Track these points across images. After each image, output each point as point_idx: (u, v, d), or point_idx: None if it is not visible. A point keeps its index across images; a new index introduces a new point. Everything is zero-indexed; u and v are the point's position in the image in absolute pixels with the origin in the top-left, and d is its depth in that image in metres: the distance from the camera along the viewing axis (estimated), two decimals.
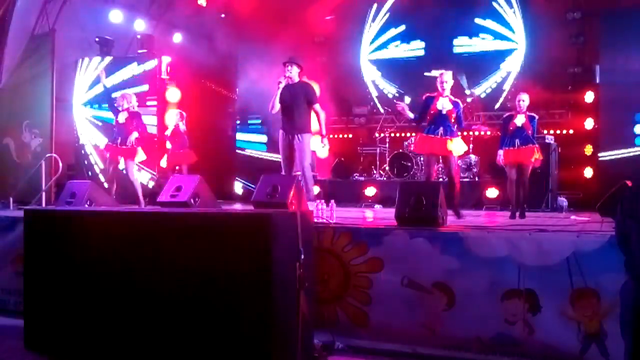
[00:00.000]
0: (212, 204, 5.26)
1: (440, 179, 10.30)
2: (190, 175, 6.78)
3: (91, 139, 10.78)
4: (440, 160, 6.80)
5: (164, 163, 9.72)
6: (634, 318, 2.71)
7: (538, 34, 11.01)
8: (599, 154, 9.18)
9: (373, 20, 12.64)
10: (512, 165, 7.02)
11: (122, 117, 7.84)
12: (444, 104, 6.15)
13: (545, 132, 9.85)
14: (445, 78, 6.20)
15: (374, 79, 12.78)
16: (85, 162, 10.73)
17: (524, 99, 7.11)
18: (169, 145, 9.47)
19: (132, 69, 10.55)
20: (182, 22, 11.74)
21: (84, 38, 10.66)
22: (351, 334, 4.32)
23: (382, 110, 12.38)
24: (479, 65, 11.48)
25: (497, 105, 11.35)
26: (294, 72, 6.25)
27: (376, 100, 12.66)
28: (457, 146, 6.25)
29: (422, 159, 10.99)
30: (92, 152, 10.69)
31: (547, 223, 5.71)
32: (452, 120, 6.25)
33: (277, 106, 6.31)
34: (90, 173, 10.53)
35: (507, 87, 11.51)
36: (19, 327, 4.44)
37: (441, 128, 6.12)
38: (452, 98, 6.27)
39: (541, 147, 8.48)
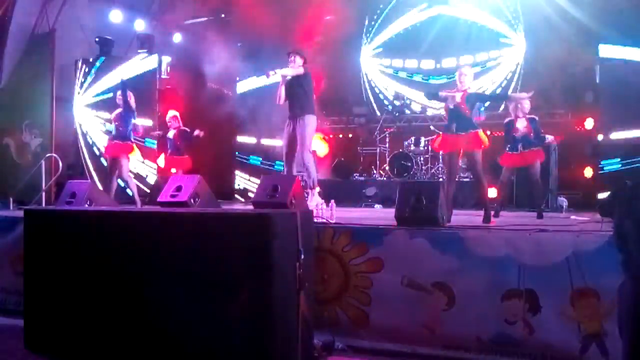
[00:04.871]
0: (212, 204, 5.26)
1: (441, 179, 10.36)
2: (190, 175, 6.78)
3: (91, 138, 10.77)
4: (465, 159, 6.54)
5: (161, 163, 9.71)
6: (631, 318, 2.71)
7: (538, 34, 11.02)
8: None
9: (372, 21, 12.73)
10: (509, 169, 7.16)
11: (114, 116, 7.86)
12: (454, 100, 5.89)
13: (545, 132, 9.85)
14: (464, 71, 6.00)
15: (371, 80, 12.83)
16: (85, 162, 10.73)
17: (526, 103, 7.18)
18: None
19: (132, 69, 10.54)
20: (182, 22, 11.74)
21: (84, 38, 10.66)
22: (351, 334, 4.32)
23: (378, 113, 12.48)
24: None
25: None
26: (297, 63, 6.39)
27: (374, 105, 12.72)
28: (474, 141, 5.88)
29: (422, 159, 11.05)
30: (93, 151, 10.69)
31: (547, 223, 5.71)
32: (468, 114, 5.93)
33: (283, 97, 6.44)
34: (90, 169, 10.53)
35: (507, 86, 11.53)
36: (19, 327, 4.44)
37: (454, 124, 5.89)
38: (469, 90, 6.00)
39: (541, 147, 8.52)
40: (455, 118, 5.92)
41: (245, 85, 12.29)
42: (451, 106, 5.89)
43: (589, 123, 10.19)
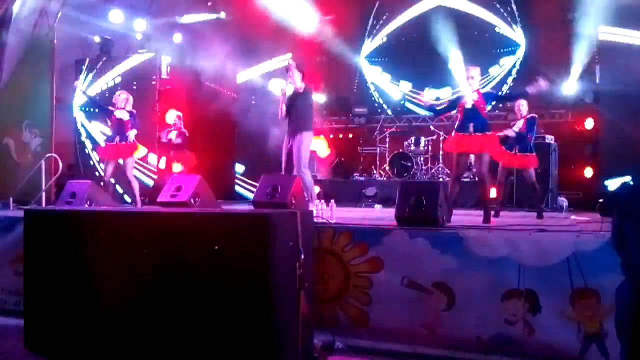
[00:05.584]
0: (212, 204, 5.25)
1: (441, 179, 10.36)
2: (190, 175, 6.78)
3: (90, 139, 10.77)
4: (473, 159, 6.52)
5: (162, 164, 9.72)
6: (630, 318, 2.71)
7: (538, 34, 11.03)
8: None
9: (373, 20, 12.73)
10: (505, 169, 7.18)
11: (120, 114, 7.80)
12: (468, 99, 5.89)
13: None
14: (472, 73, 5.98)
15: (373, 80, 12.84)
16: (86, 162, 10.72)
17: (523, 105, 7.22)
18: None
19: (132, 69, 10.53)
20: (182, 21, 11.74)
21: (84, 38, 10.66)
22: (351, 334, 4.32)
23: (389, 111, 12.46)
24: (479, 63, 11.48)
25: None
26: (296, 77, 6.37)
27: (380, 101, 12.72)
28: (489, 143, 5.91)
29: (422, 159, 11.04)
30: (92, 151, 10.68)
31: (547, 223, 5.71)
32: (484, 114, 5.96)
33: (284, 112, 6.47)
34: (96, 174, 10.53)
35: (506, 87, 11.55)
36: (19, 327, 4.44)
37: (471, 125, 5.84)
38: (482, 90, 6.00)
39: (541, 147, 8.54)
40: (472, 118, 5.88)
41: None
42: (469, 106, 5.85)
43: (589, 123, 10.19)
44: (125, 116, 7.77)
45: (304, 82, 6.43)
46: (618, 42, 8.73)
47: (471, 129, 5.82)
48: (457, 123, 6.12)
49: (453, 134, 6.17)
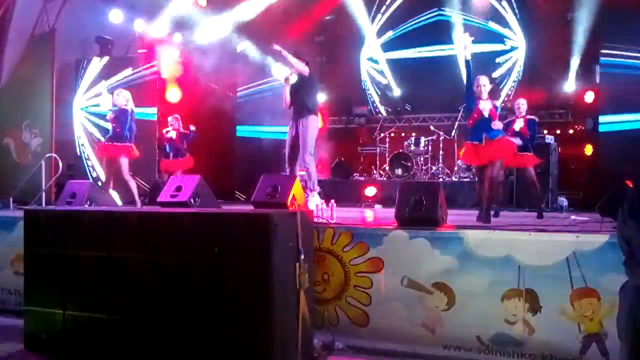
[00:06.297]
0: (212, 204, 5.25)
1: (441, 179, 10.36)
2: (190, 175, 6.77)
3: (90, 139, 10.77)
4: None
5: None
6: (632, 319, 2.70)
7: (538, 34, 11.04)
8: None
9: (373, 19, 12.69)
10: (503, 168, 7.16)
11: (112, 114, 7.77)
12: (485, 107, 5.92)
13: (545, 132, 9.87)
14: (483, 82, 5.99)
15: (373, 77, 12.84)
16: (85, 163, 10.73)
17: (523, 104, 7.20)
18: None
19: (132, 69, 10.53)
20: (182, 22, 11.73)
21: (84, 38, 10.66)
22: (351, 334, 4.33)
23: (384, 113, 12.45)
24: (479, 65, 11.48)
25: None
26: (298, 63, 6.39)
27: (377, 102, 12.73)
28: (503, 148, 5.97)
29: (422, 159, 11.05)
30: (91, 152, 10.68)
31: (547, 223, 5.71)
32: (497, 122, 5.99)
33: (289, 100, 6.48)
34: (92, 174, 10.53)
35: (507, 87, 11.56)
36: (19, 327, 4.45)
37: (484, 134, 5.88)
38: (491, 100, 6.06)
39: (541, 147, 8.51)
40: (484, 127, 5.90)
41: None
42: (485, 115, 5.86)
43: (589, 123, 10.21)
44: (112, 115, 7.75)
45: (307, 66, 6.45)
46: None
47: (485, 137, 5.87)
48: (470, 132, 6.10)
49: (464, 146, 6.21)
